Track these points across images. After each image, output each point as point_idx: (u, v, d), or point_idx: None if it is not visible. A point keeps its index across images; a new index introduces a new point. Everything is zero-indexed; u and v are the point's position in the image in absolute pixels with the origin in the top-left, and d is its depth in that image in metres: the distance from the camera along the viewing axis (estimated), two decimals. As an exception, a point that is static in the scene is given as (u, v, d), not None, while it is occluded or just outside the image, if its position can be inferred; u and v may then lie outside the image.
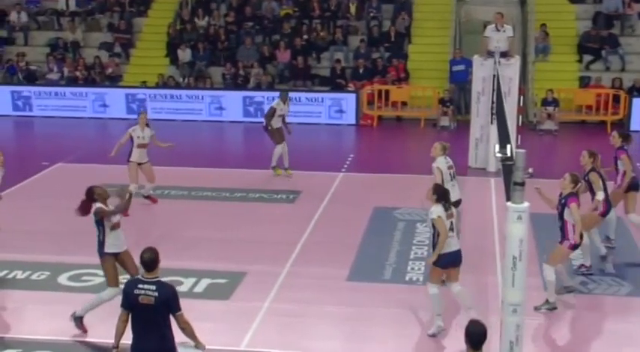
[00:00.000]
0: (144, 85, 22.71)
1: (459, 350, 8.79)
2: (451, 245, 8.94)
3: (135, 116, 21.95)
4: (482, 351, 6.24)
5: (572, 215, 9.46)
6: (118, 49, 24.36)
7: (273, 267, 11.09)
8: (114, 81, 23.49)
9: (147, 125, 13.52)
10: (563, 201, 9.61)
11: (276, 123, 15.72)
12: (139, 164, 13.50)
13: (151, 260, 6.93)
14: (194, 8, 25.06)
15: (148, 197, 13.88)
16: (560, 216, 9.61)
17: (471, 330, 6.22)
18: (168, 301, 6.80)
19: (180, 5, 25.30)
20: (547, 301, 9.61)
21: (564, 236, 9.59)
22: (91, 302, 9.17)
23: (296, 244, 12.04)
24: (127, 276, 8.92)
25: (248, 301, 10.08)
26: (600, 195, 10.71)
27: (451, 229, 8.91)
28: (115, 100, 22.39)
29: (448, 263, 9.02)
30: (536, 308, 9.53)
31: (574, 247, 9.69)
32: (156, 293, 6.76)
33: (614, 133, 12.18)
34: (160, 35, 24.47)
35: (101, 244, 9.10)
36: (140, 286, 6.83)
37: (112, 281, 9.16)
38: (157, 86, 22.74)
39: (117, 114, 22.22)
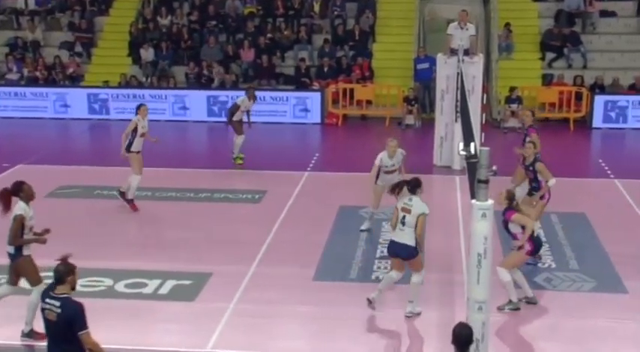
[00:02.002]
0: (106, 84, 22.45)
1: (428, 350, 8.85)
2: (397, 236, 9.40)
3: (97, 116, 21.87)
4: None
5: (518, 224, 9.52)
6: (79, 48, 24.03)
7: (238, 268, 11.01)
8: (75, 81, 23.19)
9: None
10: (502, 217, 9.66)
11: (238, 116, 16.05)
12: (137, 153, 13.56)
13: (59, 274, 6.72)
14: (156, 7, 24.83)
15: (122, 194, 13.68)
16: (507, 230, 9.68)
17: (458, 332, 6.30)
18: (71, 319, 6.57)
19: (143, 4, 25.06)
20: (510, 301, 9.66)
21: (519, 245, 9.66)
22: (28, 312, 8.88)
23: (262, 244, 11.97)
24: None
25: (214, 302, 10.00)
26: (552, 182, 10.98)
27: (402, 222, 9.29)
28: (76, 100, 22.08)
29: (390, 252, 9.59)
30: (500, 309, 9.56)
31: (531, 253, 9.76)
32: (59, 310, 6.59)
33: (528, 112, 13.01)
34: (122, 34, 24.21)
35: (18, 247, 8.83)
36: (47, 300, 6.68)
37: (36, 281, 8.89)
38: (120, 86, 22.49)
39: (78, 115, 21.94)
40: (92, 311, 9.71)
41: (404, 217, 9.29)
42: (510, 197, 9.67)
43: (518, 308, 9.65)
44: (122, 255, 11.49)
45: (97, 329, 8.94)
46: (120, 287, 10.44)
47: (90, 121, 21.78)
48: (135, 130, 13.42)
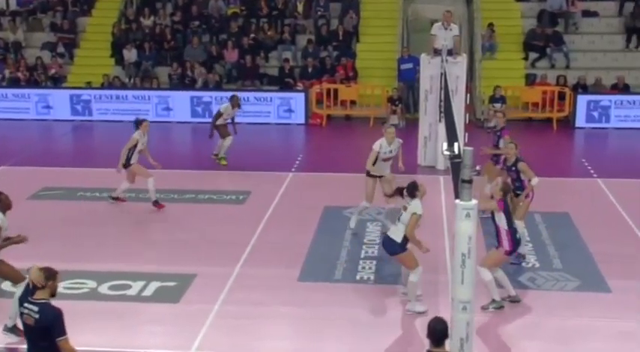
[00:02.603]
0: (89, 85, 22.34)
1: (412, 349, 8.85)
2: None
3: (80, 117, 21.75)
4: (445, 347, 6.29)
5: (489, 201, 9.69)
6: (61, 49, 23.91)
7: (223, 269, 10.97)
8: (57, 82, 23.05)
9: None
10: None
11: (221, 122, 16.09)
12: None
13: (37, 280, 6.65)
14: (139, 7, 24.75)
15: (116, 198, 13.76)
16: (492, 220, 9.72)
17: (432, 326, 6.34)
18: (49, 325, 6.51)
19: (125, 4, 24.97)
20: (493, 300, 9.68)
21: (499, 242, 9.68)
22: (13, 306, 8.76)
23: (246, 245, 11.94)
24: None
25: (198, 303, 9.95)
26: (535, 181, 11.06)
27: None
28: (59, 102, 21.95)
29: None
30: (484, 308, 9.58)
31: (510, 253, 9.78)
32: (37, 316, 6.54)
33: (500, 114, 13.45)
34: (105, 35, 24.10)
35: None
36: (25, 305, 6.63)
37: (17, 278, 8.87)
38: (103, 87, 22.38)
39: (61, 116, 21.80)
40: (75, 313, 9.67)
41: (401, 214, 9.49)
42: (505, 189, 9.72)
43: (502, 307, 9.68)
44: (106, 256, 11.42)
45: (80, 332, 8.91)
46: (104, 289, 10.38)
47: (72, 122, 21.66)
48: (135, 146, 13.36)
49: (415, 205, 9.40)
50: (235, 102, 16.25)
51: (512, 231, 9.65)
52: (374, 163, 12.10)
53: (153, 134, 20.33)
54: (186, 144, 20.41)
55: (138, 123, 13.64)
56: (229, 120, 16.27)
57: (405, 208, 9.49)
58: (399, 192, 9.79)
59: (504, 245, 9.60)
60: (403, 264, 9.71)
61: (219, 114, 16.23)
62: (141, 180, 13.54)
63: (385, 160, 12.18)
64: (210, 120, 17.01)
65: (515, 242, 9.74)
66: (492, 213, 9.73)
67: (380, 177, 12.17)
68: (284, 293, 10.26)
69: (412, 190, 9.52)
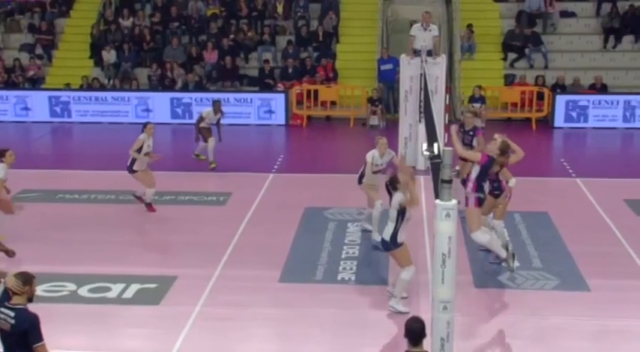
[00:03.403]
0: (67, 87, 22.20)
1: (394, 349, 8.87)
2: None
3: (59, 119, 21.61)
4: (423, 346, 6.30)
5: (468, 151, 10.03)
6: (39, 50, 23.72)
7: (204, 270, 10.94)
8: (36, 83, 22.90)
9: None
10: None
11: (204, 124, 16.09)
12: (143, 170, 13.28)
13: (14, 287, 6.55)
14: (118, 8, 24.63)
15: (139, 198, 13.54)
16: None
17: (410, 326, 6.35)
18: (25, 331, 6.42)
19: (104, 5, 24.83)
20: (504, 259, 9.87)
21: (467, 198, 9.99)
22: None
23: (227, 246, 11.92)
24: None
25: (179, 305, 9.92)
26: (512, 182, 11.19)
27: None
28: (37, 103, 21.77)
29: None
30: (510, 269, 10.00)
31: (479, 202, 9.97)
32: (13, 322, 6.45)
33: (469, 114, 13.58)
34: (84, 36, 23.97)
35: None
36: (2, 310, 6.54)
37: None
38: (82, 88, 22.24)
39: (39, 118, 21.64)
40: (55, 316, 9.65)
41: (389, 212, 9.57)
42: (503, 148, 9.97)
43: (513, 255, 10.11)
44: (85, 259, 11.36)
45: (60, 335, 8.87)
46: (83, 291, 10.32)
47: (51, 124, 21.53)
48: (140, 149, 13.18)
49: (398, 197, 9.42)
50: (217, 108, 16.19)
51: (478, 182, 9.89)
52: (363, 175, 11.92)
53: (132, 135, 20.36)
54: (166, 146, 20.22)
55: (144, 126, 13.50)
56: (213, 124, 16.22)
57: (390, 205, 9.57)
58: (387, 189, 9.80)
59: (471, 187, 9.88)
60: (396, 260, 9.76)
61: (201, 119, 16.21)
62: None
63: (375, 172, 11.89)
64: (189, 121, 16.99)
65: (479, 189, 9.96)
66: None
67: None
68: (265, 295, 10.25)
69: (393, 183, 9.56)
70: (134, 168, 13.24)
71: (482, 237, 9.74)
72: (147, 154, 13.29)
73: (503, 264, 10.11)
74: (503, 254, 9.94)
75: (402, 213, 9.36)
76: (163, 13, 24.18)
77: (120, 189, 14.65)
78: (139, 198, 13.52)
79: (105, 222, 13.09)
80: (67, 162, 17.39)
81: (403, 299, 9.74)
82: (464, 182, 10.54)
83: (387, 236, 9.53)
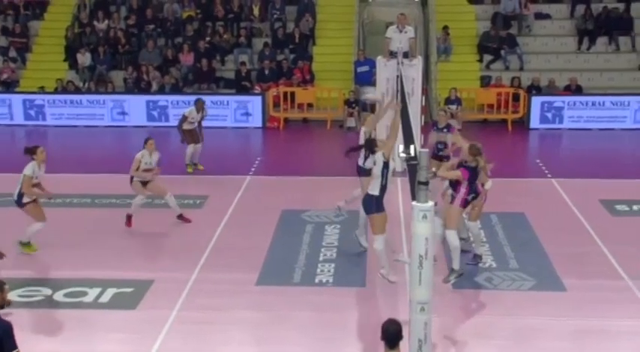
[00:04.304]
0: (42, 90, 22.01)
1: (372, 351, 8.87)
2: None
3: (33, 122, 21.42)
4: (400, 349, 6.29)
5: (449, 171, 9.94)
6: (13, 53, 23.55)
7: (180, 274, 10.88)
8: (10, 86, 22.68)
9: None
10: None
11: (188, 126, 15.98)
12: (144, 183, 12.86)
13: None
14: (93, 11, 24.47)
15: (180, 216, 13.13)
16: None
17: (386, 328, 6.33)
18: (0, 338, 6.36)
19: (78, 8, 24.66)
20: (453, 270, 9.77)
21: (456, 192, 9.97)
22: None
23: (204, 249, 11.86)
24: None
25: (156, 309, 9.86)
26: (488, 185, 11.16)
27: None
28: (11, 106, 21.59)
29: None
30: (446, 281, 9.66)
31: (464, 204, 9.96)
32: None
33: (442, 113, 13.69)
34: (58, 39, 23.79)
35: None
36: None
37: None
38: (56, 91, 22.06)
39: (14, 121, 21.45)
40: (31, 322, 9.56)
41: (372, 171, 9.97)
42: (474, 152, 9.96)
43: (462, 274, 9.91)
44: (61, 263, 11.27)
45: (35, 341, 8.79)
46: (59, 296, 10.23)
47: (25, 128, 21.33)
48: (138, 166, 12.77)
49: (378, 156, 9.81)
50: (199, 106, 16.11)
51: (470, 186, 9.90)
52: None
53: (108, 139, 20.31)
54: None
55: (145, 142, 13.02)
56: (195, 124, 16.12)
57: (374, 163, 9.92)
58: (357, 149, 10.37)
59: (461, 192, 9.77)
60: (372, 226, 10.11)
61: (184, 118, 16.08)
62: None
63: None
64: (166, 124, 16.86)
65: (471, 191, 9.95)
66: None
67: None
68: (243, 298, 10.21)
69: (371, 146, 10.06)
70: (134, 180, 12.85)
71: (454, 239, 9.75)
72: (147, 171, 12.82)
73: (452, 276, 10.07)
74: (456, 265, 9.95)
75: (386, 166, 9.75)
76: (139, 16, 24.05)
77: (95, 193, 14.54)
78: (181, 217, 13.12)
79: (81, 226, 12.97)
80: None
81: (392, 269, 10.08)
82: (453, 186, 10.42)
83: (375, 191, 9.89)
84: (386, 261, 10.08)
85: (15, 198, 11.54)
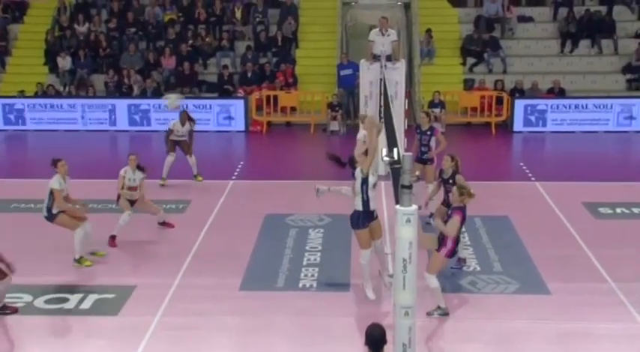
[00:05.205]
0: (22, 94, 21.81)
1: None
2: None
3: (13, 127, 21.23)
4: None
5: (450, 225, 9.55)
6: (-8, 57, 23.37)
7: (163, 279, 10.79)
8: (-11, 91, 22.50)
9: (138, 167, 12.55)
10: (449, 212, 9.76)
11: (176, 138, 15.61)
12: (131, 202, 12.52)
13: None
14: (73, 14, 24.29)
15: (163, 223, 13.01)
16: (445, 222, 9.71)
17: (370, 333, 6.29)
18: None
19: (59, 11, 24.47)
20: (438, 307, 9.70)
21: (442, 243, 9.68)
22: None
23: (187, 254, 11.76)
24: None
25: (138, 315, 9.76)
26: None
27: None
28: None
29: None
30: (429, 314, 9.60)
31: (451, 255, 9.79)
32: None
33: (423, 114, 13.70)
34: (38, 42, 23.61)
35: None
36: None
37: None
38: (36, 95, 21.88)
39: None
40: (11, 329, 9.44)
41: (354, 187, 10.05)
42: (463, 191, 9.72)
43: (446, 314, 9.70)
44: (42, 269, 11.11)
45: (17, 348, 8.68)
46: (40, 303, 10.11)
47: (5, 132, 21.13)
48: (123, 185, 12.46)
49: (357, 172, 9.92)
50: (183, 118, 15.55)
51: (457, 237, 9.71)
52: None
53: (88, 143, 20.13)
54: (124, 153, 20.00)
55: (128, 157, 12.72)
56: (185, 136, 15.66)
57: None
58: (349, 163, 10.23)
59: (447, 245, 9.59)
60: (357, 239, 10.16)
61: (169, 132, 15.66)
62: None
63: None
64: (147, 128, 16.66)
65: (457, 245, 9.80)
66: (448, 218, 9.72)
67: None
68: (226, 303, 10.13)
69: (352, 163, 10.14)
70: (119, 200, 12.54)
71: (433, 281, 9.64)
72: (131, 189, 12.47)
73: (436, 312, 9.90)
74: (442, 303, 9.82)
75: (365, 181, 9.81)
76: (120, 19, 23.92)
77: (77, 197, 14.36)
78: (165, 223, 13.01)
79: (62, 232, 12.77)
80: (21, 171, 17.05)
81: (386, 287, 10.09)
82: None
83: (358, 206, 9.92)
84: (368, 276, 10.12)
85: (44, 213, 11.36)
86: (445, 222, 9.66)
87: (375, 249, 10.30)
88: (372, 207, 9.97)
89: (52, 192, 11.22)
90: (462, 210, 9.63)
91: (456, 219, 9.54)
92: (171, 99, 14.76)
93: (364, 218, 9.97)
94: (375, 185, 10.00)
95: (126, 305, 10.03)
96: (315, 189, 11.17)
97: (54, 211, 11.32)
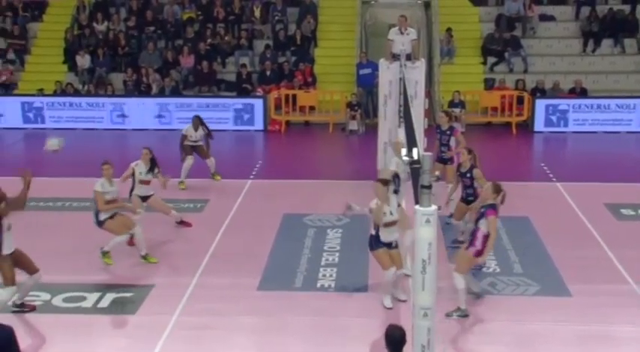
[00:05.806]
0: (41, 92, 21.89)
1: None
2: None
3: (32, 125, 21.31)
4: None
5: (488, 226, 9.45)
6: (11, 55, 23.46)
7: (181, 279, 10.76)
8: (8, 89, 22.59)
9: (152, 161, 12.49)
10: (482, 210, 9.60)
11: (190, 143, 15.48)
12: (144, 198, 12.55)
13: None
14: (92, 12, 24.36)
15: (181, 222, 12.98)
16: (476, 222, 9.60)
17: (390, 334, 6.28)
18: (3, 346, 6.26)
19: (78, 9, 24.55)
20: (459, 308, 9.59)
21: (472, 242, 9.57)
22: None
23: (205, 254, 11.73)
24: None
25: (155, 314, 9.74)
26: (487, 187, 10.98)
27: None
28: (10, 109, 21.49)
29: None
30: (448, 315, 9.50)
31: (479, 254, 9.66)
32: None
33: (442, 113, 13.83)
34: (57, 41, 23.70)
35: None
36: None
37: (11, 280, 9.16)
38: (55, 94, 21.95)
39: (13, 124, 21.35)
40: (30, 327, 9.45)
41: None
42: (497, 190, 9.64)
43: (466, 316, 9.59)
44: (59, 268, 11.10)
45: (35, 347, 8.69)
46: (58, 301, 10.11)
47: (24, 131, 21.23)
48: (133, 175, 12.42)
49: (372, 203, 9.85)
50: (196, 123, 15.41)
51: (487, 236, 9.57)
52: None
53: (107, 141, 20.17)
54: (141, 152, 20.04)
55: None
56: (200, 141, 15.54)
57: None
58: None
59: (476, 244, 9.48)
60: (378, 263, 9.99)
61: (183, 137, 15.52)
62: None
63: None
64: (166, 127, 16.63)
65: (485, 246, 9.66)
66: (480, 216, 9.57)
67: None
68: (243, 303, 10.08)
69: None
70: (133, 192, 12.50)
71: (460, 282, 9.55)
72: (143, 182, 12.43)
73: (456, 314, 9.80)
74: (463, 304, 9.72)
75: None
76: (138, 17, 23.95)
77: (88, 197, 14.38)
78: (182, 222, 13.00)
79: (79, 230, 12.82)
80: (39, 169, 17.02)
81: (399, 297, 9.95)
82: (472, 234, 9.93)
83: (371, 229, 9.90)
84: (387, 290, 9.92)
85: (94, 219, 11.33)
86: (476, 220, 9.55)
87: (397, 277, 10.00)
88: (383, 239, 9.77)
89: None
90: (496, 208, 9.51)
91: (492, 218, 9.42)
92: (51, 143, 14.57)
93: (377, 241, 9.83)
94: (389, 224, 9.76)
95: (144, 304, 10.02)
96: (347, 205, 10.47)
97: (101, 217, 11.24)
